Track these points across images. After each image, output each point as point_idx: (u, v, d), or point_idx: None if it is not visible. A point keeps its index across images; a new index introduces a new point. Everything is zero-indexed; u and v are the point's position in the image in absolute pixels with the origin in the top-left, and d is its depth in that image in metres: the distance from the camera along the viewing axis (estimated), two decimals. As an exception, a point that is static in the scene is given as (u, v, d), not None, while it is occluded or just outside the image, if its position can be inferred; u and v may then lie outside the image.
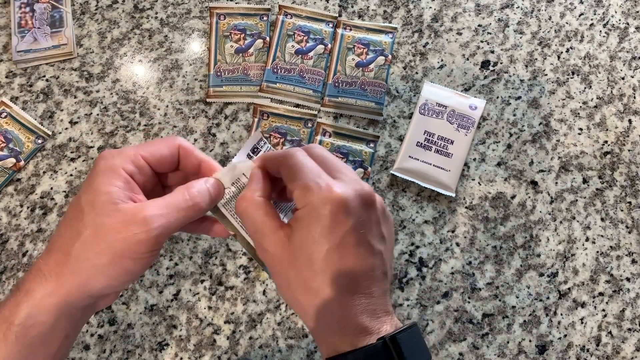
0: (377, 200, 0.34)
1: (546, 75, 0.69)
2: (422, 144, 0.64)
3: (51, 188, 0.62)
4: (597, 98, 0.68)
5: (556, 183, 0.65)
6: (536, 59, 0.69)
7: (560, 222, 0.64)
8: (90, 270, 0.32)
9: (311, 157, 0.34)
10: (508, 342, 0.60)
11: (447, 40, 0.69)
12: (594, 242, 0.64)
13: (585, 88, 0.69)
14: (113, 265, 0.32)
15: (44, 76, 0.65)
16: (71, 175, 0.62)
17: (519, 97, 0.68)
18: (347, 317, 0.31)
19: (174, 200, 0.34)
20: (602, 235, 0.64)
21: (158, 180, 0.39)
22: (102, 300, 0.36)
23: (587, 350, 0.60)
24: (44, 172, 0.62)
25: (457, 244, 0.63)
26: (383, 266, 0.33)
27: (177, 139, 0.37)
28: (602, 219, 0.64)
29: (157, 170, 0.37)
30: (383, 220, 0.34)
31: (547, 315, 0.61)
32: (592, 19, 0.71)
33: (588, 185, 0.65)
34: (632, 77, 0.69)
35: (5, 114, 0.63)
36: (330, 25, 0.68)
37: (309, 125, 0.65)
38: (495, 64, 0.69)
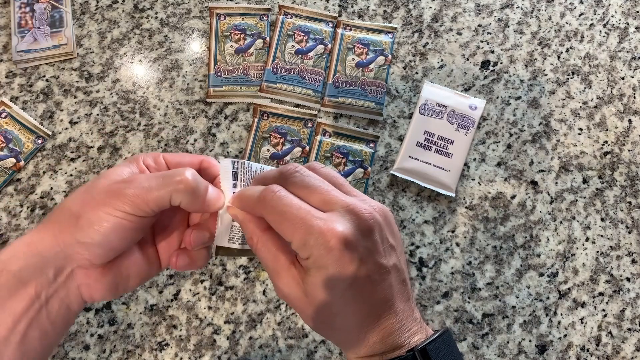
0: (378, 213, 0.32)
1: (546, 75, 0.69)
2: (422, 144, 0.64)
3: (51, 188, 0.62)
4: (597, 98, 0.68)
5: (556, 183, 0.65)
6: (536, 59, 0.69)
7: (560, 222, 0.64)
8: (67, 218, 0.32)
9: (292, 191, 0.32)
10: (508, 342, 0.60)
11: (447, 40, 0.69)
12: (594, 242, 0.64)
13: (585, 88, 0.69)
14: (89, 216, 0.32)
15: (44, 76, 0.65)
16: (71, 175, 0.62)
17: (519, 97, 0.68)
18: (376, 343, 0.32)
19: (164, 172, 0.34)
20: (602, 235, 0.64)
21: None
22: (81, 274, 0.33)
23: (587, 350, 0.60)
24: (44, 172, 0.62)
25: (457, 244, 0.63)
26: (400, 275, 0.33)
27: (202, 155, 0.38)
28: (602, 219, 0.64)
29: None
30: (388, 230, 0.33)
31: (547, 315, 0.61)
32: (592, 19, 0.71)
33: (588, 185, 0.65)
34: (632, 77, 0.69)
35: (5, 114, 0.63)
36: (330, 25, 0.68)
37: (309, 125, 0.65)
38: (495, 64, 0.69)
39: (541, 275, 0.62)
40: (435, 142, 0.64)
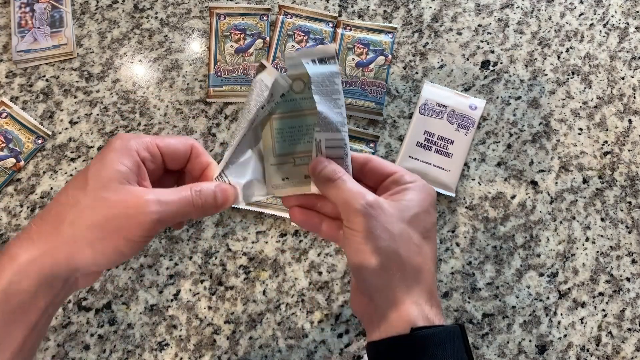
0: None
1: (546, 75, 0.69)
2: (422, 144, 0.64)
3: (51, 188, 0.62)
4: (597, 98, 0.68)
5: (556, 183, 0.65)
6: (536, 59, 0.69)
7: (560, 222, 0.64)
8: (81, 242, 0.32)
9: None
10: (508, 342, 0.60)
11: (447, 40, 0.69)
12: (594, 242, 0.64)
13: (585, 88, 0.69)
14: (105, 240, 0.32)
15: (44, 76, 0.65)
16: (71, 175, 0.62)
17: (519, 97, 0.68)
18: (434, 287, 0.37)
19: (178, 194, 0.34)
20: (602, 235, 0.64)
21: (167, 176, 0.39)
22: (83, 279, 0.35)
23: (587, 350, 0.60)
24: (44, 172, 0.62)
25: (457, 244, 0.63)
26: None
27: (191, 139, 0.38)
28: (602, 219, 0.64)
29: (167, 165, 0.37)
30: None
31: (547, 315, 0.61)
32: (592, 19, 0.71)
33: (588, 185, 0.65)
34: (632, 77, 0.69)
35: (5, 114, 0.63)
36: (330, 25, 0.68)
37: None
38: (495, 64, 0.69)
39: (541, 275, 0.62)
40: (435, 142, 0.64)
